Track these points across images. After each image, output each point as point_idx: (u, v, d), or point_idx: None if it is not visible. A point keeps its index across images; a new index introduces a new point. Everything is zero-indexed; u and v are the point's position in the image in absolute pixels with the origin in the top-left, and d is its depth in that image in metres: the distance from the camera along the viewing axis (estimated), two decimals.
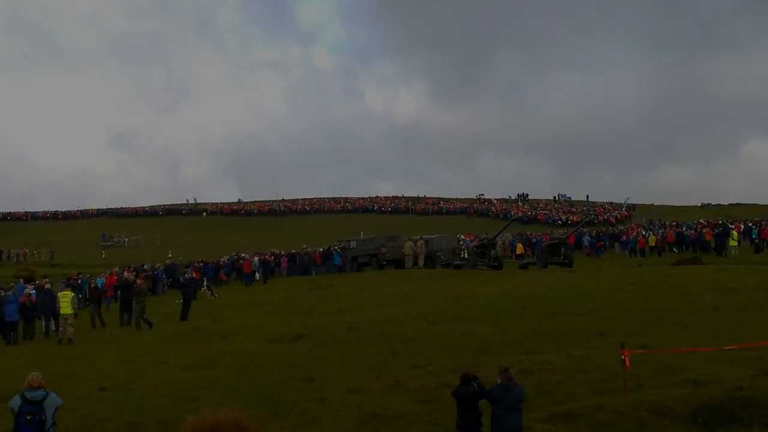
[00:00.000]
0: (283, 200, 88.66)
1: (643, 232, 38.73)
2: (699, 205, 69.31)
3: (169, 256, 42.80)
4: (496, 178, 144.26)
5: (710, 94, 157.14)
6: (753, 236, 34.89)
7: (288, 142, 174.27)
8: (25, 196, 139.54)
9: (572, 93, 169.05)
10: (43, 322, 20.06)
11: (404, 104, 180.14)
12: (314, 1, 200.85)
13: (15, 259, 54.48)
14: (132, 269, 31.94)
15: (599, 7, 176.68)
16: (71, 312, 17.97)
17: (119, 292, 22.64)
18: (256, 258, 35.53)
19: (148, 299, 20.71)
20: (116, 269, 30.42)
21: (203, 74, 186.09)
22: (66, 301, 18.11)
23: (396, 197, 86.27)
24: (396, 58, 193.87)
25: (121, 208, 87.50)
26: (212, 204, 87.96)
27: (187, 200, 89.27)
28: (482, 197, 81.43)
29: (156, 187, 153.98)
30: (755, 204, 64.84)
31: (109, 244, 64.72)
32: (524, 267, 30.56)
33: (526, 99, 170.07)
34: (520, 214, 65.68)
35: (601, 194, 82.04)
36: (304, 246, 39.52)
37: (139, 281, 21.11)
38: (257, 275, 33.89)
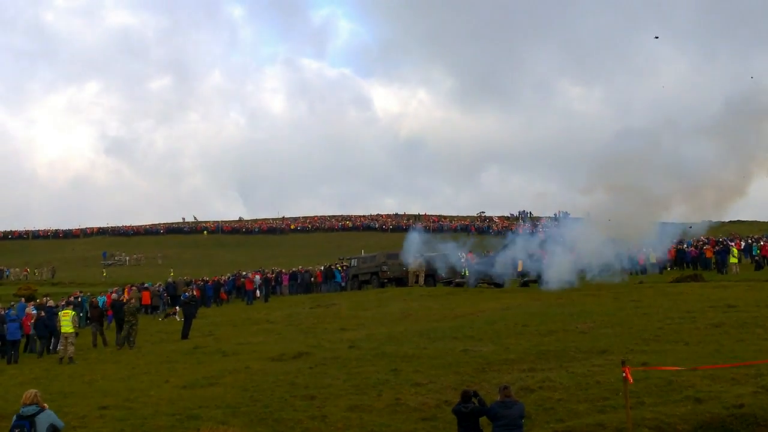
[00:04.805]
0: (284, 218, 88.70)
1: (644, 249, 38.61)
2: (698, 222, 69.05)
3: (171, 274, 42.80)
4: (500, 193, 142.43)
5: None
6: (753, 253, 34.84)
7: (292, 153, 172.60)
8: (21, 205, 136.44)
9: (589, 104, 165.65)
10: (52, 341, 20.01)
11: (411, 114, 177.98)
12: (322, 8, 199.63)
13: (16, 278, 54.56)
14: (132, 288, 31.89)
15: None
16: (72, 331, 18.00)
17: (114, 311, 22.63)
18: (258, 276, 35.54)
19: (138, 319, 20.14)
20: (116, 289, 30.39)
21: (206, 80, 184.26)
22: (67, 319, 18.14)
23: (397, 215, 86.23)
24: (408, 63, 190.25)
25: (122, 226, 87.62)
26: (213, 222, 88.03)
27: (183, 218, 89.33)
28: (483, 215, 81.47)
29: (156, 198, 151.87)
30: (755, 221, 64.73)
31: (110, 262, 64.62)
32: (525, 285, 30.53)
33: (538, 110, 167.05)
34: (521, 231, 65.58)
35: None
36: (300, 266, 39.49)
37: (132, 301, 20.97)
38: (258, 293, 33.89)
